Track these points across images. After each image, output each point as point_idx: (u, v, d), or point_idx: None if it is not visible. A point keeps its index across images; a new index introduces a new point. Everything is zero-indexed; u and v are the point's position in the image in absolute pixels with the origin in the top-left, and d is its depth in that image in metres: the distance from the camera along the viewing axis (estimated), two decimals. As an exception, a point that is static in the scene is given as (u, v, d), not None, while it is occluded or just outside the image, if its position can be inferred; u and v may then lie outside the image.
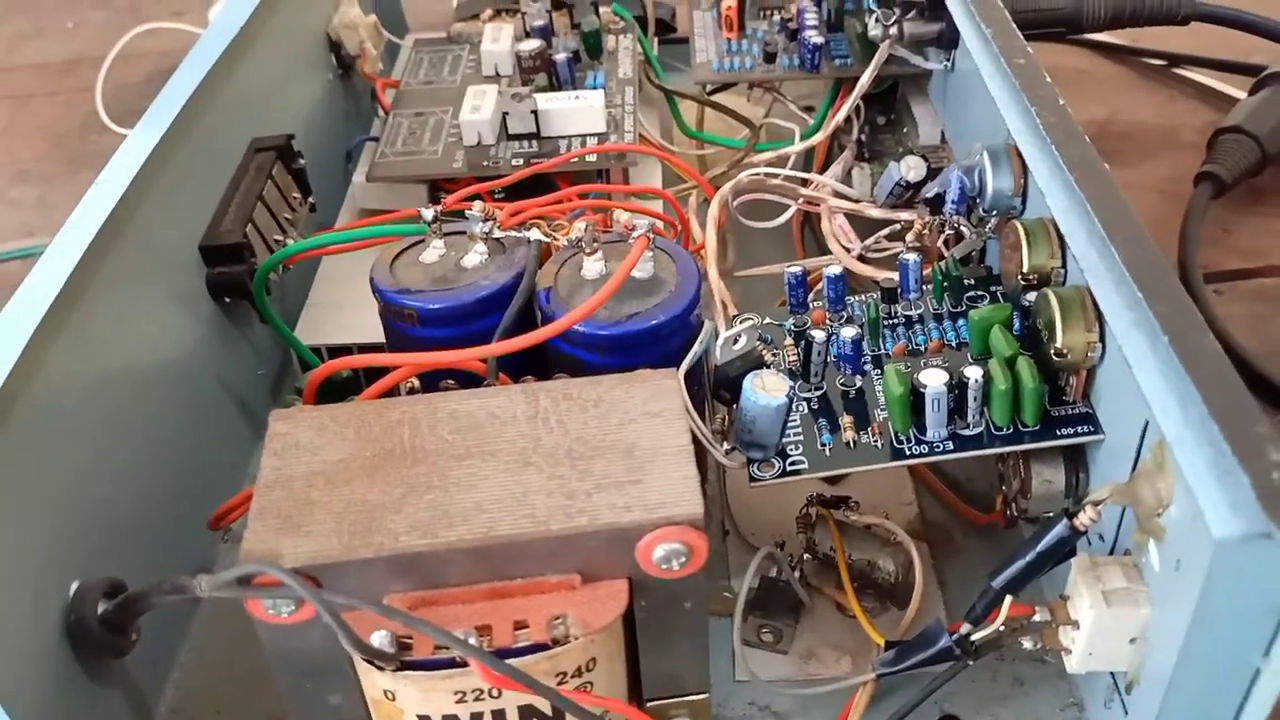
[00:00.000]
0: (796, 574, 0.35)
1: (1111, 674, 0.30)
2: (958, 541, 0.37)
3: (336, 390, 0.38)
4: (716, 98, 0.51)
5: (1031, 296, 0.32)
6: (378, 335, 0.37)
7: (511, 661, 0.26)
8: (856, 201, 0.42)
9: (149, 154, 0.37)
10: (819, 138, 0.46)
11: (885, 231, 0.42)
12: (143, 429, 0.35)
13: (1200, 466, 0.22)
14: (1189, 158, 0.54)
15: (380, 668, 0.26)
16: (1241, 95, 0.57)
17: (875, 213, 0.42)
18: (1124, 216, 0.28)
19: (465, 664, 0.26)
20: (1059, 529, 0.27)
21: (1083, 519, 0.27)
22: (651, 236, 0.33)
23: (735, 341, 0.33)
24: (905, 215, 0.40)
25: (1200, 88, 0.61)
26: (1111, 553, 0.30)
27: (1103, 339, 0.30)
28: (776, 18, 0.51)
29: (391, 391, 0.32)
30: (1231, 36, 0.58)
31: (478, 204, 0.35)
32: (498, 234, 0.35)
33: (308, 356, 0.41)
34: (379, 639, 0.26)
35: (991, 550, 0.37)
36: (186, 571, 0.36)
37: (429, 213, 0.35)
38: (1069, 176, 0.29)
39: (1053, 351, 0.30)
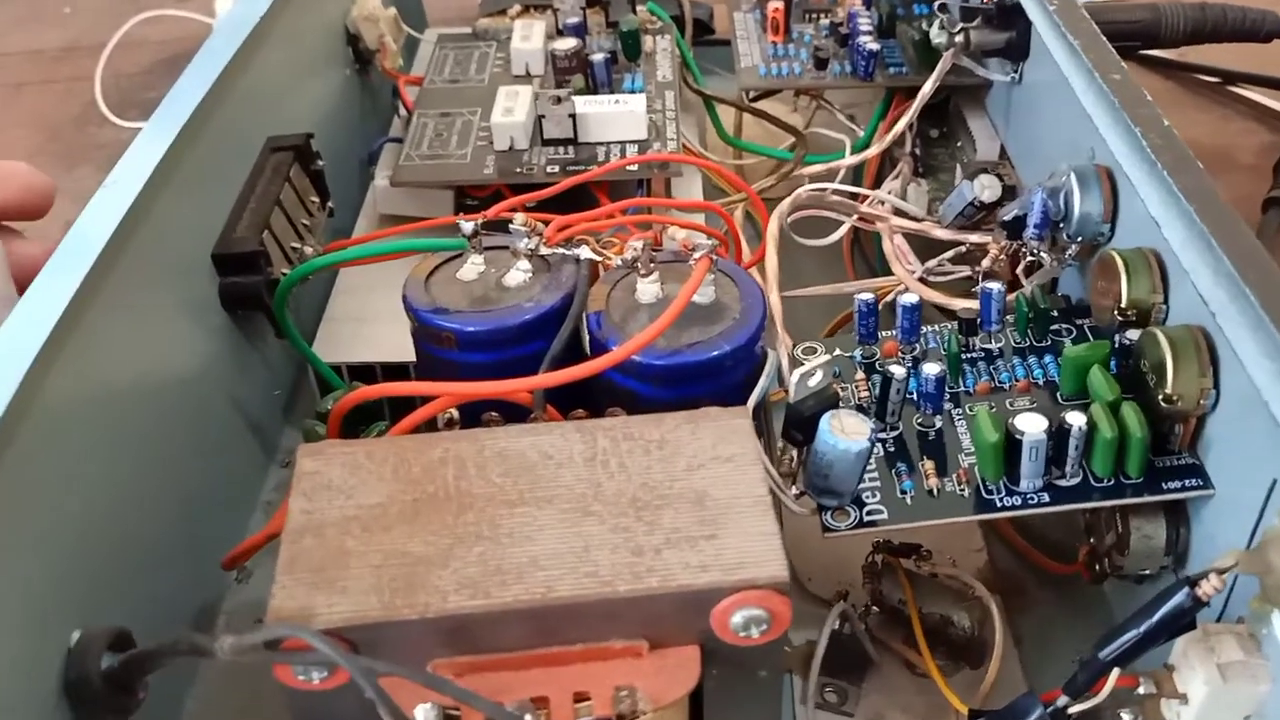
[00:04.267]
0: (863, 627, 0.32)
1: (1215, 751, 0.28)
2: (1031, 594, 0.35)
3: (359, 415, 0.35)
4: (756, 105, 0.49)
5: (1132, 334, 0.29)
6: (401, 353, 0.34)
7: (572, 739, 0.23)
8: (920, 220, 0.40)
9: (163, 154, 0.33)
10: (874, 150, 0.43)
11: (949, 254, 0.39)
12: (149, 454, 0.32)
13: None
14: (1246, 180, 0.52)
15: (424, 744, 0.23)
16: (1300, 116, 0.55)
17: (941, 233, 0.39)
18: (1254, 253, 0.25)
19: (520, 741, 0.23)
20: (1179, 598, 0.25)
21: (1206, 588, 0.25)
22: (714, 257, 0.31)
23: (810, 376, 0.30)
24: (974, 237, 0.38)
25: (1256, 107, 0.58)
26: (1220, 619, 0.28)
27: (1217, 385, 0.27)
28: (824, 22, 0.49)
29: (429, 423, 0.29)
30: (1285, 54, 0.56)
31: (520, 217, 0.32)
32: (543, 251, 0.32)
33: (330, 377, 0.38)
34: (423, 712, 0.23)
35: (1069, 605, 0.34)
36: (194, 608, 0.34)
37: (468, 225, 0.32)
38: (1188, 207, 0.27)
39: (1162, 398, 0.27)
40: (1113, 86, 0.31)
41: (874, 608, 0.32)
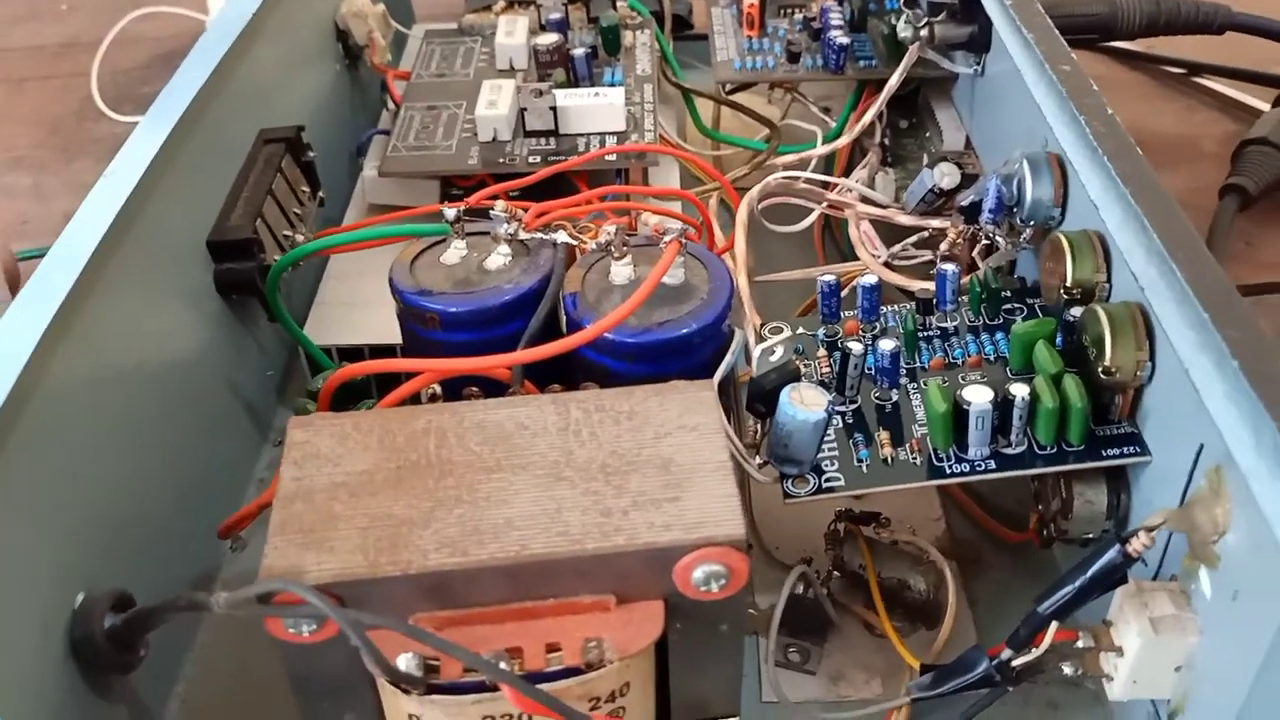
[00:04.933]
0: (824, 591, 0.34)
1: (1152, 701, 0.29)
2: (987, 560, 0.36)
3: (349, 394, 0.36)
4: (734, 97, 0.50)
5: (1076, 311, 0.31)
6: (389, 336, 0.36)
7: (544, 686, 0.25)
8: (885, 207, 0.41)
9: (161, 145, 0.35)
10: (844, 141, 0.45)
11: (913, 239, 0.41)
12: (148, 431, 0.34)
13: (1277, 498, 0.21)
14: (1210, 169, 0.53)
15: (406, 691, 0.25)
16: (1262, 106, 0.56)
17: (904, 219, 0.41)
18: (1184, 234, 0.27)
19: (495, 688, 0.25)
20: (1111, 555, 0.27)
21: (1136, 545, 0.26)
22: (683, 241, 0.32)
23: (771, 353, 0.31)
24: (935, 223, 0.39)
25: (1220, 98, 0.60)
26: (1155, 578, 0.29)
27: (1153, 358, 0.29)
28: (798, 16, 0.50)
29: (412, 398, 0.31)
30: (1250, 47, 0.57)
31: (500, 204, 0.34)
32: (522, 235, 0.34)
33: (320, 358, 0.40)
34: (406, 661, 0.24)
35: (1022, 570, 0.36)
36: (191, 578, 0.35)
37: (451, 212, 0.34)
38: (1124, 190, 0.28)
39: (1101, 370, 0.29)
40: (1061, 77, 0.33)
41: (835, 573, 0.34)
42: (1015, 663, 0.28)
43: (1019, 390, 0.29)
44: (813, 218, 0.43)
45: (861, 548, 0.34)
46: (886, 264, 0.41)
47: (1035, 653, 0.28)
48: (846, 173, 0.47)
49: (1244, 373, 0.23)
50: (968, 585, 0.36)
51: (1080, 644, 0.28)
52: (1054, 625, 0.27)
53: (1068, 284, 0.32)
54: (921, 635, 0.34)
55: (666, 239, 0.32)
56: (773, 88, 0.49)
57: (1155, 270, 0.27)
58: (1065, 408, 0.29)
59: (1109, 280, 0.31)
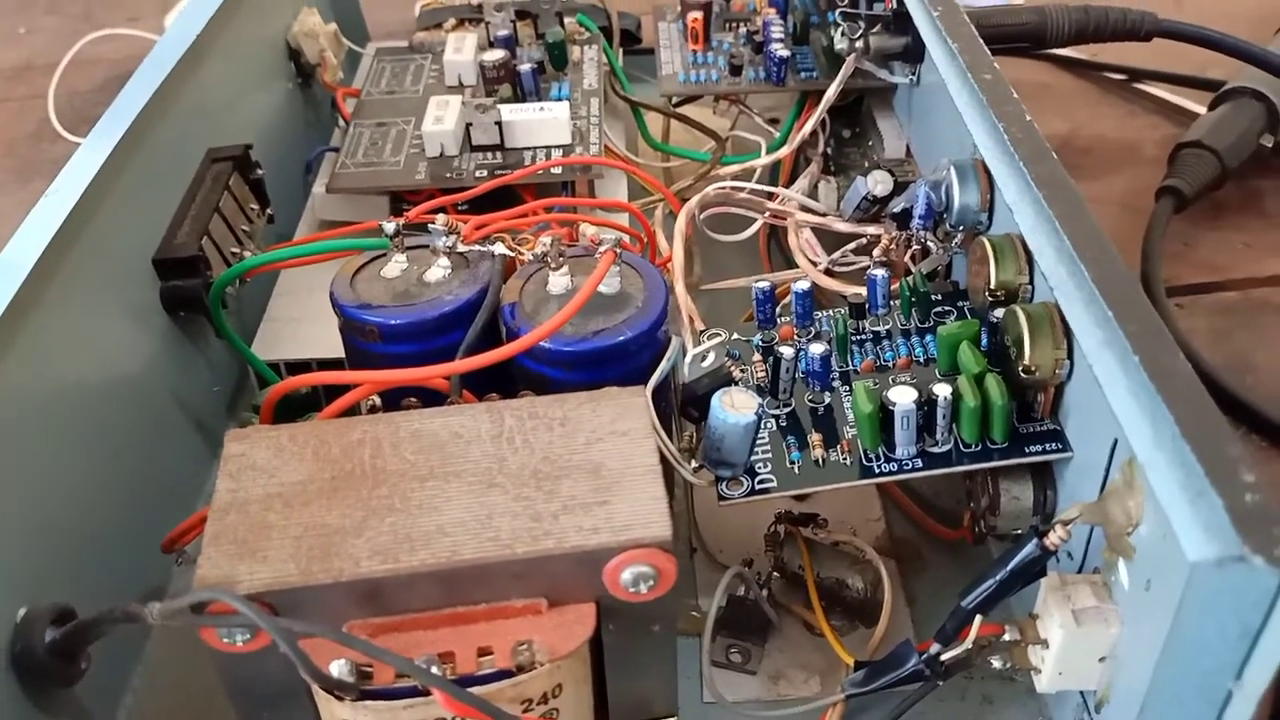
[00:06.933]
0: (764, 593, 0.34)
1: (1081, 693, 0.30)
2: (925, 558, 0.37)
3: (296, 407, 0.37)
4: (682, 110, 0.51)
5: (999, 313, 0.32)
6: (337, 350, 0.36)
7: (475, 690, 0.25)
8: (823, 215, 0.42)
9: (102, 163, 0.35)
10: (785, 151, 0.46)
11: (852, 246, 0.41)
12: (94, 448, 0.34)
13: (1173, 488, 0.22)
14: (1150, 172, 0.54)
15: (339, 698, 0.25)
16: (1200, 110, 0.57)
17: (842, 227, 0.41)
18: (1092, 234, 0.28)
19: (428, 693, 0.25)
20: (1029, 548, 0.27)
21: (1053, 538, 0.27)
22: (618, 251, 0.33)
23: (703, 358, 0.32)
24: (872, 230, 0.40)
25: (1160, 103, 0.61)
26: (1080, 571, 0.30)
27: (1071, 356, 0.30)
28: (742, 30, 0.51)
29: (352, 410, 0.31)
30: (1190, 52, 0.59)
31: (441, 218, 0.35)
32: (461, 248, 0.34)
33: (265, 372, 0.40)
34: (338, 668, 0.25)
35: (959, 567, 0.37)
36: (139, 594, 0.36)
37: (391, 226, 0.34)
38: (1037, 194, 0.29)
39: (1021, 369, 0.30)
40: (982, 85, 0.34)
41: (776, 574, 0.35)
42: (944, 657, 0.29)
43: (942, 390, 0.30)
44: (756, 227, 0.44)
45: (800, 549, 0.34)
46: (827, 270, 0.41)
47: (962, 647, 0.29)
48: (790, 182, 0.48)
49: (1143, 367, 0.24)
50: (907, 584, 0.36)
51: (1007, 637, 0.29)
52: (978, 619, 0.28)
53: (991, 286, 0.32)
54: (861, 633, 0.35)
55: (602, 249, 0.33)
56: (718, 100, 0.50)
57: (1065, 270, 0.28)
58: (987, 406, 0.30)
59: (1031, 282, 0.32)
